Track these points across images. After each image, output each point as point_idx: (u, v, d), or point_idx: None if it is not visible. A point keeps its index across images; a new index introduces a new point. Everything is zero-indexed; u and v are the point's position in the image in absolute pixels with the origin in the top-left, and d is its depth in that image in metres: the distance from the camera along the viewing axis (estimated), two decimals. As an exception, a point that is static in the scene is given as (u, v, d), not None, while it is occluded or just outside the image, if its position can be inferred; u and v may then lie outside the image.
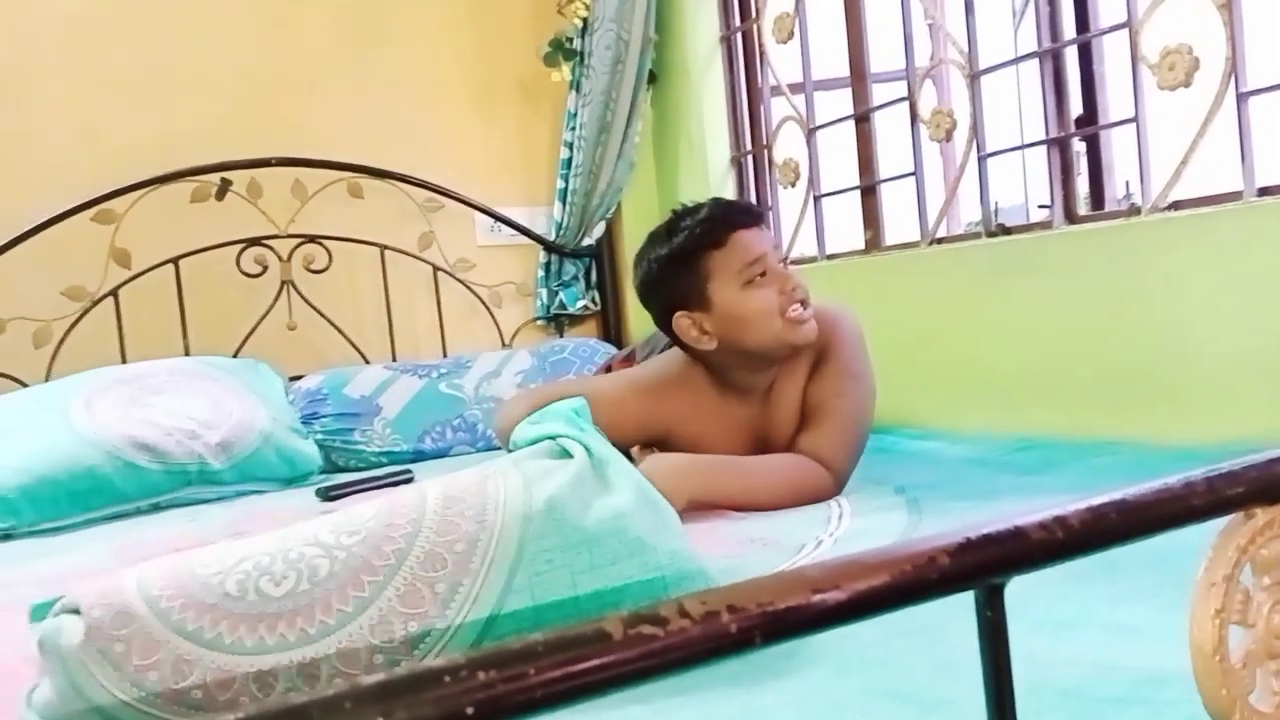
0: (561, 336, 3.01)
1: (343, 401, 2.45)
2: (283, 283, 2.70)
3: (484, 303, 2.96)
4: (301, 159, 2.68)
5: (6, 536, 1.90)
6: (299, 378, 2.57)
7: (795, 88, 2.63)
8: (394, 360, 2.76)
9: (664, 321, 1.67)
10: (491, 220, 2.96)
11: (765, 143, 2.79)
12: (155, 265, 2.56)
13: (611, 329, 3.07)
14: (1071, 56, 2.03)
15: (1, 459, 1.95)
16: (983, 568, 0.46)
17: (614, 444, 0.98)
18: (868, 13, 2.46)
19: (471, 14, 2.97)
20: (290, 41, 2.75)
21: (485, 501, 0.85)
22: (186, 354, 2.52)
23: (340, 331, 2.75)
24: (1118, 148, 2.01)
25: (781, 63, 2.68)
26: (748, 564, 1.22)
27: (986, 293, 2.09)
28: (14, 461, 1.95)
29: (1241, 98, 1.67)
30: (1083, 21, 2.00)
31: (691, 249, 1.61)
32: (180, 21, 2.65)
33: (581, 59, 2.88)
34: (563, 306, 3.01)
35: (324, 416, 2.42)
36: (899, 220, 2.47)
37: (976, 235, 2.19)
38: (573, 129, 2.91)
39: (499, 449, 2.12)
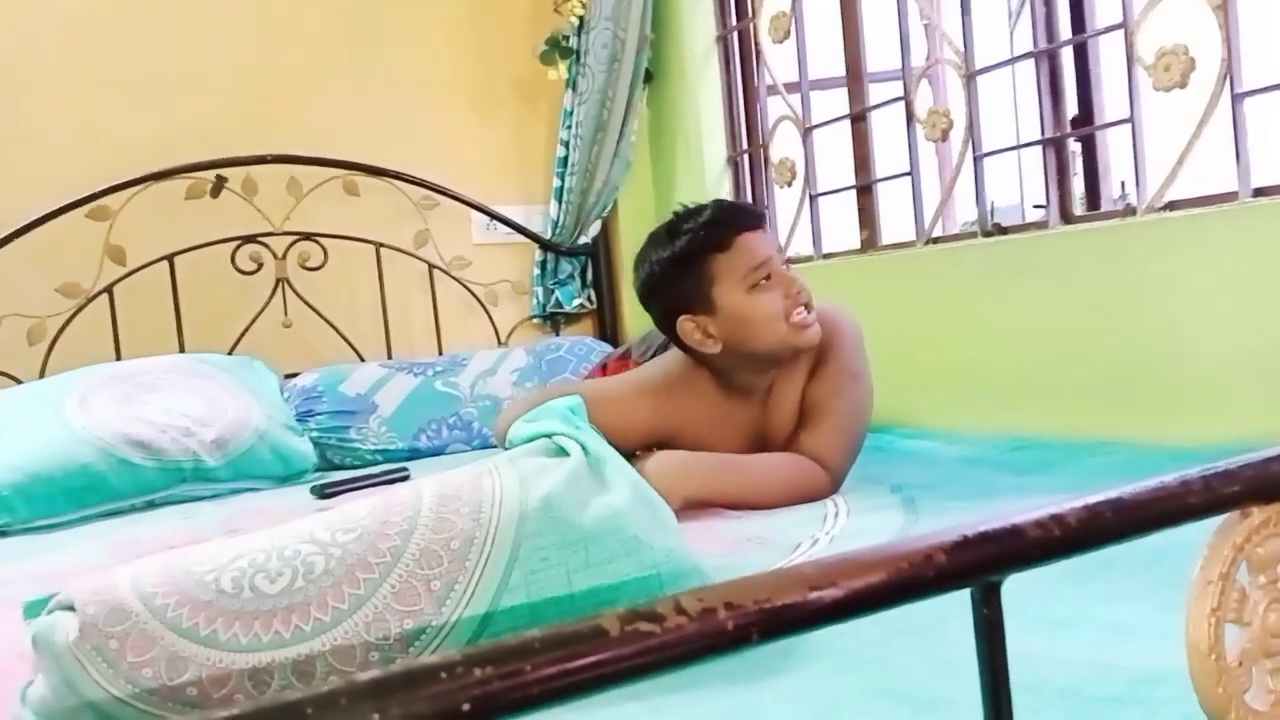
0: (557, 335, 3.01)
1: (338, 399, 2.45)
2: (278, 280, 2.69)
3: (480, 301, 2.95)
4: (297, 156, 2.67)
5: (1, 534, 1.90)
6: (294, 375, 2.56)
7: (791, 87, 2.63)
8: (389, 358, 2.76)
9: (666, 324, 1.66)
10: (487, 218, 2.96)
11: (761, 142, 2.79)
12: (150, 262, 2.55)
13: (607, 327, 3.07)
14: (1067, 57, 2.03)
15: (-5, 456, 1.95)
16: (979, 565, 0.46)
17: (622, 446, 0.98)
18: (864, 12, 2.46)
19: (468, 12, 2.96)
20: (286, 39, 2.75)
21: (481, 499, 0.85)
22: (181, 351, 2.51)
23: (336, 329, 2.75)
24: (1113, 148, 2.02)
25: (778, 62, 2.68)
26: (744, 562, 1.22)
27: (982, 293, 2.10)
28: (8, 459, 1.94)
29: (1237, 99, 1.67)
30: (1078, 22, 2.00)
31: (695, 252, 1.60)
32: (177, 20, 2.65)
33: (578, 57, 2.87)
34: (558, 305, 3.00)
35: (319, 414, 2.42)
36: (895, 220, 2.47)
37: (972, 235, 2.19)
38: (569, 127, 2.91)
39: (495, 447, 2.12)
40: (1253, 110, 1.67)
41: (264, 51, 2.72)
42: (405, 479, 2.02)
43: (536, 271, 3.02)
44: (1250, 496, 0.54)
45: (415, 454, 2.42)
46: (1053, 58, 2.03)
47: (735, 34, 2.88)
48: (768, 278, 1.59)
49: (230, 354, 2.55)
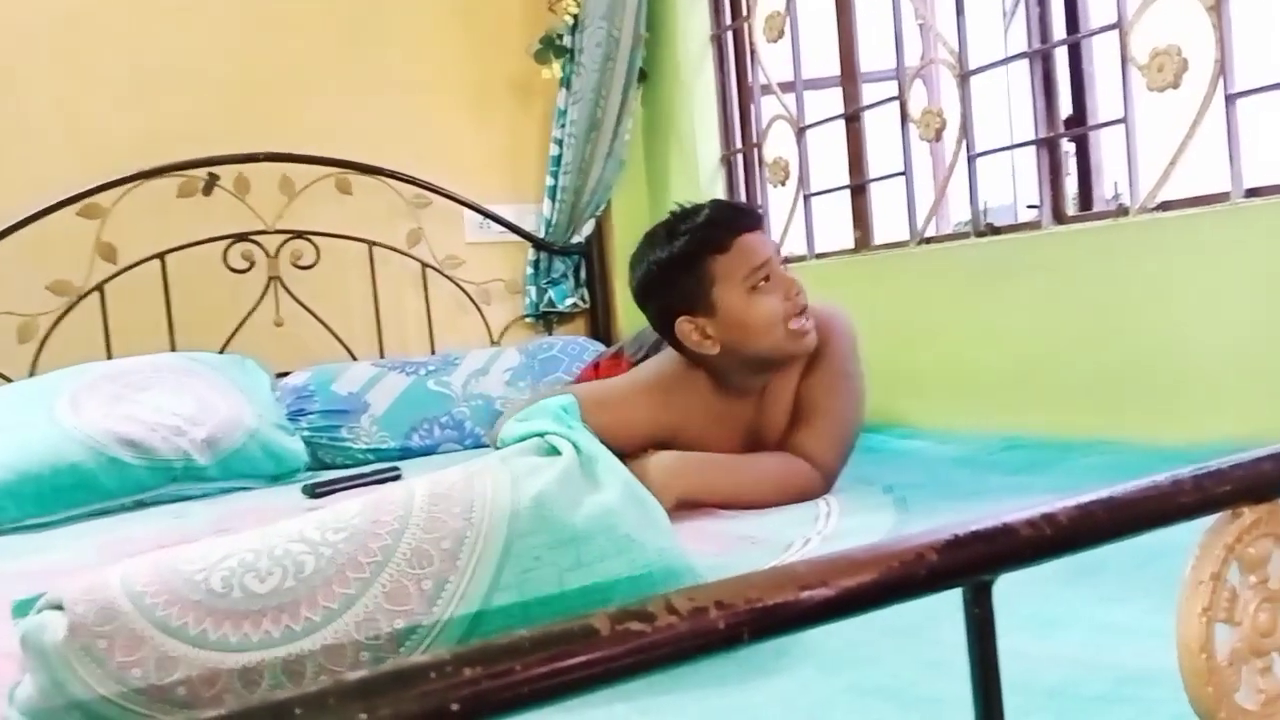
0: (550, 334, 3.00)
1: (330, 398, 2.44)
2: (270, 279, 2.69)
3: (473, 300, 2.95)
4: (289, 154, 2.66)
5: (-10, 532, 1.89)
6: (286, 374, 2.55)
7: (785, 86, 2.64)
8: (382, 357, 2.75)
9: (663, 324, 1.66)
10: (480, 217, 2.95)
11: (755, 141, 2.79)
12: (141, 260, 2.54)
13: (600, 327, 3.06)
14: (1061, 57, 2.03)
15: (-15, 455, 1.94)
16: (971, 565, 0.46)
17: (622, 449, 0.98)
18: (858, 12, 2.47)
19: (462, 10, 2.96)
20: (278, 37, 2.74)
21: (472, 499, 0.85)
22: (172, 350, 2.50)
23: (328, 328, 2.74)
24: (1106, 148, 2.02)
25: (772, 61, 2.68)
26: (736, 562, 1.22)
27: (975, 292, 2.10)
28: (-2, 457, 1.93)
29: (1230, 99, 1.67)
30: (1072, 22, 2.01)
31: (695, 253, 1.59)
32: (169, 17, 2.64)
33: (572, 56, 2.87)
34: (551, 304, 3.00)
35: (311, 413, 2.41)
36: (888, 219, 2.47)
37: (965, 235, 2.19)
38: (563, 126, 2.91)
39: (487, 447, 2.11)
40: (1245, 111, 1.68)
41: (256, 49, 2.71)
42: (397, 478, 2.02)
43: (530, 271, 3.02)
44: (1241, 496, 0.54)
45: (407, 453, 2.42)
46: (1046, 58, 2.04)
47: (729, 33, 2.88)
48: (767, 279, 1.58)
49: (222, 353, 2.54)
